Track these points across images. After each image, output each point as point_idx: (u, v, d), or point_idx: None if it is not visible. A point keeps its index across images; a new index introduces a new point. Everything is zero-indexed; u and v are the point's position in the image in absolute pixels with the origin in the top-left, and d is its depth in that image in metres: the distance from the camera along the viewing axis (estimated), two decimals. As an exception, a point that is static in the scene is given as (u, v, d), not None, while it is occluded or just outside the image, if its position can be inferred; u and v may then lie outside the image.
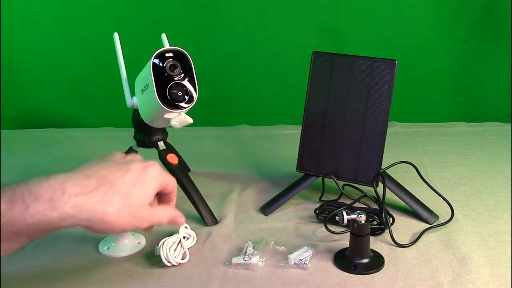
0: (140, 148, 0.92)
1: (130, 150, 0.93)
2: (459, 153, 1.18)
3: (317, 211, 0.88)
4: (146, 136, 0.90)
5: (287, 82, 1.39)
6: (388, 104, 0.85)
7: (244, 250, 0.78)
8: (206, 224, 0.87)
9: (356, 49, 1.31)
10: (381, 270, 0.73)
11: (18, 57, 1.41)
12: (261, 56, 1.40)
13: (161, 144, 0.91)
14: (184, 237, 0.79)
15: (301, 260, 0.74)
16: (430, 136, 1.30)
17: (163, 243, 0.75)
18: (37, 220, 0.55)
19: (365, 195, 0.89)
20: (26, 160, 1.21)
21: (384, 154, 0.87)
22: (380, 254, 0.77)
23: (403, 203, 0.89)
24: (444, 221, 0.86)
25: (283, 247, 0.79)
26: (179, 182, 0.88)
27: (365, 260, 0.74)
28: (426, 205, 0.89)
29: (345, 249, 0.77)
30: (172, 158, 0.90)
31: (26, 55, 1.41)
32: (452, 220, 0.86)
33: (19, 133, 1.41)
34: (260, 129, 1.38)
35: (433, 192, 0.89)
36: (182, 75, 0.78)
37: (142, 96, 0.82)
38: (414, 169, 0.89)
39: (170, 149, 0.94)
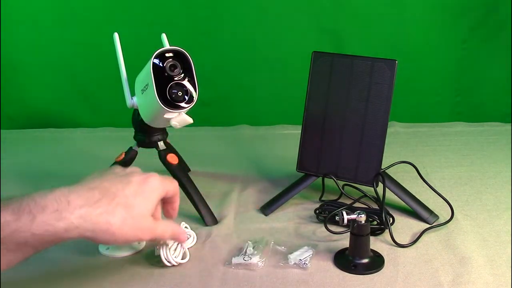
0: (140, 148, 0.92)
1: (130, 150, 0.93)
2: (459, 153, 1.18)
3: (317, 211, 0.88)
4: (146, 136, 0.90)
5: (287, 82, 1.39)
6: (388, 104, 0.85)
7: (244, 250, 0.78)
8: (206, 224, 0.87)
9: (356, 49, 1.31)
10: (381, 270, 0.73)
11: (18, 57, 1.41)
12: (261, 56, 1.40)
13: (161, 144, 0.91)
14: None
15: (301, 260, 0.74)
16: (430, 136, 1.30)
17: (163, 243, 0.75)
18: (44, 230, 0.56)
19: (365, 195, 0.89)
20: (26, 160, 1.21)
21: (384, 154, 0.87)
22: (380, 254, 0.77)
23: (403, 203, 0.89)
24: (444, 221, 0.86)
25: (283, 247, 0.79)
26: (179, 182, 0.88)
27: (365, 260, 0.74)
28: (426, 205, 0.89)
29: (345, 249, 0.77)
30: (172, 158, 0.90)
31: (26, 55, 1.41)
32: (452, 220, 0.86)
33: (19, 133, 1.41)
34: (260, 129, 1.38)
35: (433, 192, 0.89)
36: (182, 75, 0.78)
37: (142, 96, 0.82)
38: (414, 169, 0.89)
39: (170, 149, 0.94)
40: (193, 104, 0.79)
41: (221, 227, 0.86)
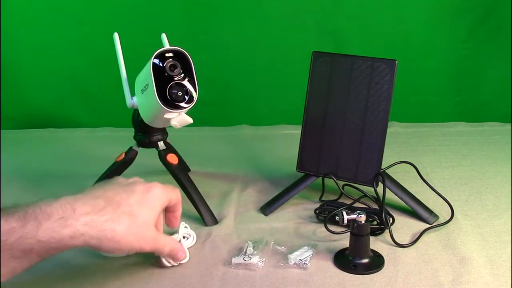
0: (140, 148, 0.92)
1: (130, 150, 0.93)
2: (459, 153, 1.18)
3: (317, 211, 0.88)
4: (146, 136, 0.90)
5: (287, 82, 1.39)
6: (388, 104, 0.85)
7: (244, 250, 0.78)
8: (206, 224, 0.87)
9: (356, 49, 1.31)
10: (381, 270, 0.73)
11: (18, 57, 1.41)
12: (261, 56, 1.40)
13: (161, 144, 0.91)
14: (184, 237, 0.80)
15: (301, 260, 0.74)
16: (430, 136, 1.30)
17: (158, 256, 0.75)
18: (49, 237, 0.57)
19: (365, 195, 0.89)
20: (26, 160, 1.21)
21: (384, 154, 0.87)
22: (380, 254, 0.77)
23: (403, 203, 0.89)
24: (444, 221, 0.86)
25: (283, 247, 0.79)
26: (179, 182, 0.88)
27: (365, 260, 0.74)
28: (426, 205, 0.89)
29: (345, 249, 0.77)
30: (172, 158, 0.90)
31: (26, 55, 1.41)
32: (452, 220, 0.86)
33: (19, 133, 1.41)
34: (260, 129, 1.38)
35: (433, 192, 0.89)
36: (182, 75, 0.78)
37: (142, 96, 0.82)
38: (414, 169, 0.90)
39: (170, 149, 0.94)
40: (193, 104, 0.79)
41: (221, 227, 0.86)
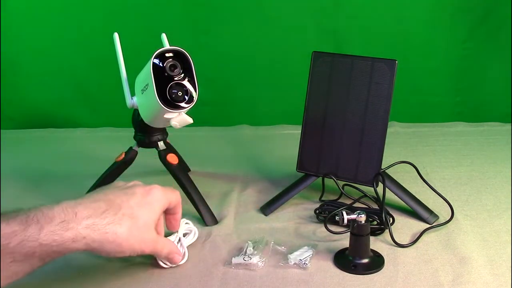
0: (140, 148, 0.92)
1: (130, 150, 0.93)
2: (459, 153, 1.18)
3: (317, 211, 0.88)
4: (146, 136, 0.90)
5: (287, 82, 1.39)
6: (388, 104, 0.85)
7: (244, 250, 0.78)
8: (206, 224, 0.87)
9: (356, 49, 1.31)
10: (381, 270, 0.73)
11: (18, 57, 1.41)
12: (261, 56, 1.40)
13: (161, 144, 0.91)
14: (184, 235, 0.80)
15: (301, 260, 0.74)
16: (430, 136, 1.30)
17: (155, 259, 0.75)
18: (51, 240, 0.57)
19: (365, 195, 0.89)
20: (26, 160, 1.21)
21: (384, 154, 0.87)
22: (380, 254, 0.77)
23: (403, 203, 0.89)
24: (444, 221, 0.86)
25: (283, 247, 0.79)
26: (179, 182, 0.88)
27: (365, 260, 0.74)
28: (426, 205, 0.89)
29: (345, 249, 0.77)
30: (172, 158, 0.90)
31: (26, 55, 1.41)
32: (452, 220, 0.86)
33: (19, 133, 1.41)
34: (260, 129, 1.38)
35: (433, 192, 0.89)
36: (182, 75, 0.78)
37: (142, 96, 0.82)
38: (414, 169, 0.90)
39: (170, 149, 0.94)
40: (193, 104, 0.79)
41: (221, 227, 0.86)
